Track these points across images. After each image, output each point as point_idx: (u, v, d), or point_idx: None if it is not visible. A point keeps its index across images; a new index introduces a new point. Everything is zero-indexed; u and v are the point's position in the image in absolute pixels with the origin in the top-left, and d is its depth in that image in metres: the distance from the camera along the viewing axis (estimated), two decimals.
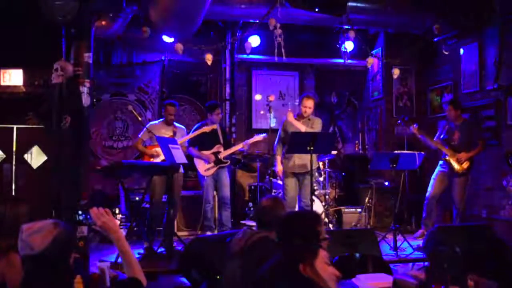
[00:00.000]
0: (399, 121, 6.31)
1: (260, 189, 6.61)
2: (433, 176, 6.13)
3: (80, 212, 2.24)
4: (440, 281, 2.43)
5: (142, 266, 2.22)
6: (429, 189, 6.11)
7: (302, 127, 5.58)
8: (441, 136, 6.13)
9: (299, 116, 5.79)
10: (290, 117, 5.66)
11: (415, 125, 6.04)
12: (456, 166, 5.88)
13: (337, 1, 5.58)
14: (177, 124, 5.99)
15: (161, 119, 6.02)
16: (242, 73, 8.00)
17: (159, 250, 5.17)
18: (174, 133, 5.83)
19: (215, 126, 5.99)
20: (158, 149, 5.52)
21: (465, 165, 5.88)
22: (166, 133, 5.77)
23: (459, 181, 5.90)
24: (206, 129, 5.88)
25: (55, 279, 1.87)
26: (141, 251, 5.21)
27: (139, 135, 5.89)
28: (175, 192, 5.61)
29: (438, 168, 6.12)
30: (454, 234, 4.36)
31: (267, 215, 2.90)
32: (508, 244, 4.13)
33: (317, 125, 5.81)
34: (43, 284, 1.84)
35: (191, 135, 5.93)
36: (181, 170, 5.79)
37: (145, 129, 5.76)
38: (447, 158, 5.95)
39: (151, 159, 5.67)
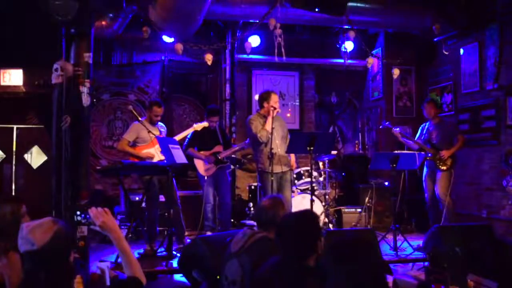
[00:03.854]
0: (381, 127, 6.29)
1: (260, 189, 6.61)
2: (423, 179, 6.21)
3: (79, 212, 2.24)
4: (440, 281, 2.44)
5: (142, 266, 2.22)
6: (425, 192, 6.18)
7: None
8: (422, 137, 6.19)
9: (263, 114, 5.54)
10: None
11: (398, 129, 6.06)
12: (439, 163, 5.95)
13: (337, 1, 5.59)
14: (159, 122, 5.75)
15: (143, 118, 5.68)
16: (242, 73, 8.00)
17: (159, 250, 5.17)
18: (161, 132, 5.65)
19: (206, 124, 5.86)
20: (150, 150, 5.46)
21: (448, 161, 5.95)
22: (154, 132, 5.46)
23: (442, 175, 5.96)
24: (196, 127, 5.78)
25: (55, 276, 1.87)
26: (141, 251, 5.21)
27: (124, 136, 5.57)
28: (172, 192, 5.57)
29: (424, 169, 6.20)
30: (454, 234, 4.36)
31: (267, 215, 2.90)
32: (508, 244, 4.14)
33: (283, 122, 5.74)
34: (44, 281, 1.84)
35: (181, 134, 5.77)
36: None
37: (131, 128, 5.54)
38: (430, 156, 6.02)
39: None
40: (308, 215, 2.50)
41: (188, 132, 5.81)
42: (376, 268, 1.71)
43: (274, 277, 2.31)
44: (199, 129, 5.79)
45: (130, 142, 5.49)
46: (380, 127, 6.33)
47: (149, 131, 5.34)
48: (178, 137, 5.76)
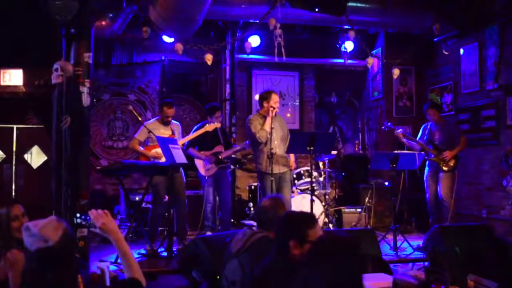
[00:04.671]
0: (383, 127, 6.29)
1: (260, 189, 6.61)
2: (424, 179, 6.21)
3: (78, 215, 2.24)
4: (440, 281, 2.43)
5: (142, 266, 2.22)
6: (426, 192, 6.18)
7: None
8: (424, 138, 6.19)
9: (263, 114, 5.54)
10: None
11: (400, 130, 6.06)
12: (443, 164, 5.95)
13: (337, 1, 5.59)
14: (173, 121, 5.85)
15: (156, 118, 5.83)
16: (242, 73, 8.00)
17: (159, 250, 5.17)
18: (173, 132, 5.71)
19: (218, 125, 5.95)
20: (159, 150, 5.48)
21: (451, 162, 5.95)
22: (165, 132, 5.63)
23: (445, 176, 5.97)
24: (208, 127, 5.83)
25: (65, 273, 1.86)
26: (141, 251, 5.21)
27: (135, 135, 5.70)
28: (179, 192, 5.59)
29: (426, 169, 6.21)
30: (454, 234, 4.36)
31: (267, 215, 2.91)
32: (508, 244, 4.14)
33: (283, 122, 5.75)
34: (52, 279, 1.82)
35: (193, 135, 5.83)
36: (180, 169, 5.76)
37: (141, 128, 5.62)
38: (433, 158, 6.02)
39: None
40: (305, 217, 2.49)
41: (200, 132, 5.83)
42: (352, 269, 1.71)
43: (268, 275, 2.32)
44: (211, 129, 5.84)
45: (140, 142, 5.61)
46: (382, 127, 6.32)
47: (150, 131, 5.43)
48: (189, 137, 5.76)
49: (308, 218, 2.50)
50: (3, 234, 2.83)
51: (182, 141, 5.71)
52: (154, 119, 5.91)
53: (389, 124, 6.16)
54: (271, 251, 2.46)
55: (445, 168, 5.95)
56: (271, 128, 5.26)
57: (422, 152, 5.87)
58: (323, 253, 1.76)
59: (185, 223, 5.66)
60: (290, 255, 2.33)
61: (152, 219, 5.62)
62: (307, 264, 1.79)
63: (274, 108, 5.35)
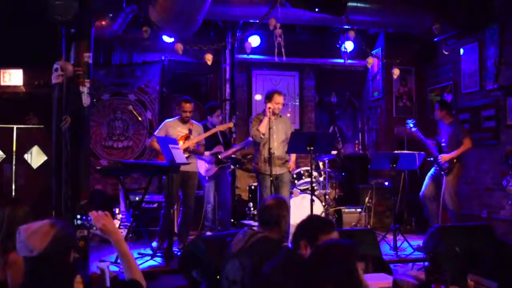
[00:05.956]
0: (407, 126, 6.25)
1: None
2: (427, 175, 6.20)
3: (79, 216, 2.23)
4: (440, 281, 2.44)
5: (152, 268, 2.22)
6: (422, 187, 6.18)
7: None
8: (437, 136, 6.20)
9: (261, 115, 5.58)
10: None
11: (415, 129, 6.09)
12: (440, 167, 5.96)
13: (337, 1, 5.59)
14: (193, 121, 5.83)
15: (176, 117, 5.80)
16: (242, 73, 8.00)
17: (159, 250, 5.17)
18: (190, 131, 5.66)
19: (231, 125, 5.99)
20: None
21: (453, 166, 5.90)
22: (182, 131, 5.61)
23: (447, 180, 5.95)
24: (221, 127, 5.86)
25: (56, 277, 1.86)
26: (141, 250, 5.20)
27: (155, 133, 5.66)
28: (189, 194, 5.58)
29: (432, 169, 6.20)
30: (454, 234, 4.36)
31: (271, 215, 2.91)
32: (508, 244, 4.13)
33: (288, 125, 5.74)
34: (45, 283, 1.83)
35: (205, 134, 5.77)
36: (197, 169, 5.76)
37: (161, 126, 5.67)
38: (432, 160, 6.06)
39: None
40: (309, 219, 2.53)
41: (212, 132, 5.84)
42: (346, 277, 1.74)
43: (276, 272, 2.33)
44: (222, 129, 5.91)
45: None
46: (408, 130, 6.24)
47: (165, 129, 5.56)
48: (201, 137, 5.74)
49: (325, 223, 2.56)
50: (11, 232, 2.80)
51: (194, 141, 5.61)
52: (175, 117, 5.84)
53: (413, 121, 6.10)
54: (281, 251, 2.48)
55: (446, 172, 5.93)
56: (270, 129, 5.26)
57: (422, 152, 5.86)
58: (320, 257, 1.80)
59: (189, 226, 5.67)
60: (298, 254, 2.35)
61: (164, 219, 5.59)
62: (305, 265, 1.82)
63: (270, 108, 5.36)
